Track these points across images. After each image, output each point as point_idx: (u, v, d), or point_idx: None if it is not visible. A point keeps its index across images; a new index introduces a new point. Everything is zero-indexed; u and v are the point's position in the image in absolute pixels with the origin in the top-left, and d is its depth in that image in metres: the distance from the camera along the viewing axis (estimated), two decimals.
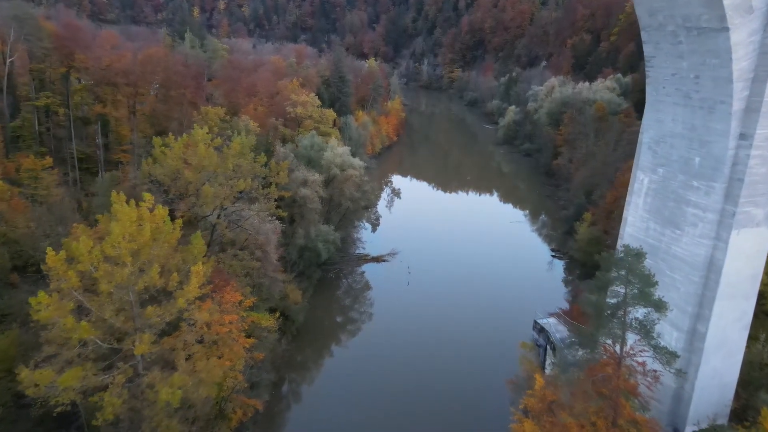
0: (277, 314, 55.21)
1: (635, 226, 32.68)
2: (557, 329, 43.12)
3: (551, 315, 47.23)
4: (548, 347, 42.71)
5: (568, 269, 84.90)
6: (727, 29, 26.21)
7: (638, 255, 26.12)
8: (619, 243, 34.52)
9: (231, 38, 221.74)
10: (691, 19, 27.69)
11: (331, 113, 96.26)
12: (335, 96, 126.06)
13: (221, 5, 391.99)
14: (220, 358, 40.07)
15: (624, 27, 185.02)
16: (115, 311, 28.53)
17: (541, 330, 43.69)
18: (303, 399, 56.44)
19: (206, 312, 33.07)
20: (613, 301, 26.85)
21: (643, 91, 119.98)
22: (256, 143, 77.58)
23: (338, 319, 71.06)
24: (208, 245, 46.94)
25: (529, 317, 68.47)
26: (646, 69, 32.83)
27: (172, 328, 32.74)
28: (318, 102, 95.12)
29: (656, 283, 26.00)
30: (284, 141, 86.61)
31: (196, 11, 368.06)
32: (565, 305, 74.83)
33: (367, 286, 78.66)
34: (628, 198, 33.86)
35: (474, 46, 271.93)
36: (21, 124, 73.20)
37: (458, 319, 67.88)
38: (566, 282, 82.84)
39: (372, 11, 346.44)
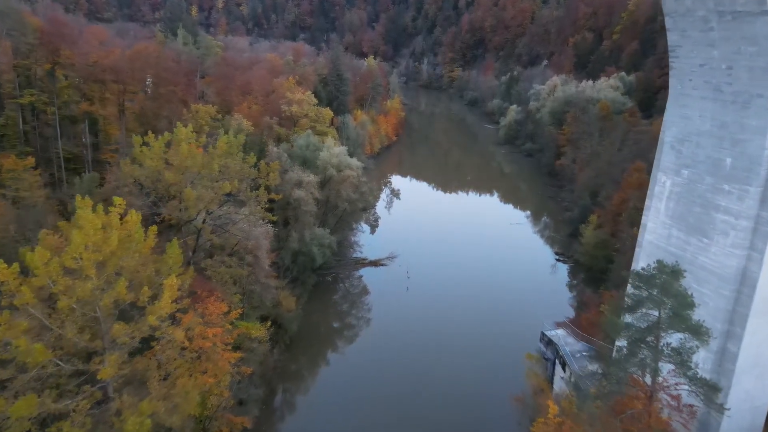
0: (268, 324, 52.11)
1: (656, 233, 29.60)
2: (566, 342, 40.09)
3: (559, 325, 44.16)
4: (557, 361, 39.66)
5: (572, 273, 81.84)
6: (767, 13, 23.20)
7: (675, 272, 22.78)
8: (637, 252, 31.45)
9: (227, 36, 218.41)
10: (724, 3, 24.68)
11: (327, 112, 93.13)
12: (333, 95, 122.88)
13: (219, 4, 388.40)
14: (204, 373, 37.03)
15: (627, 25, 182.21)
16: (79, 329, 25.41)
17: (549, 342, 40.66)
18: (297, 410, 53.37)
19: (182, 331, 29.92)
20: (643, 325, 23.66)
21: (647, 90, 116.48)
22: (249, 143, 74.83)
23: (335, 326, 67.97)
24: (194, 251, 43.83)
25: (533, 323, 65.39)
26: (670, 60, 29.77)
27: (146, 346, 29.59)
28: (314, 100, 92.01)
29: (694, 304, 22.76)
30: (279, 140, 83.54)
31: (194, 10, 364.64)
32: (572, 312, 71.98)
33: (364, 291, 75.55)
34: (647, 202, 30.78)
35: (474, 45, 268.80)
36: (5, 123, 69.96)
37: (459, 326, 64.83)
38: (571, 286, 79.79)
39: (371, 10, 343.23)
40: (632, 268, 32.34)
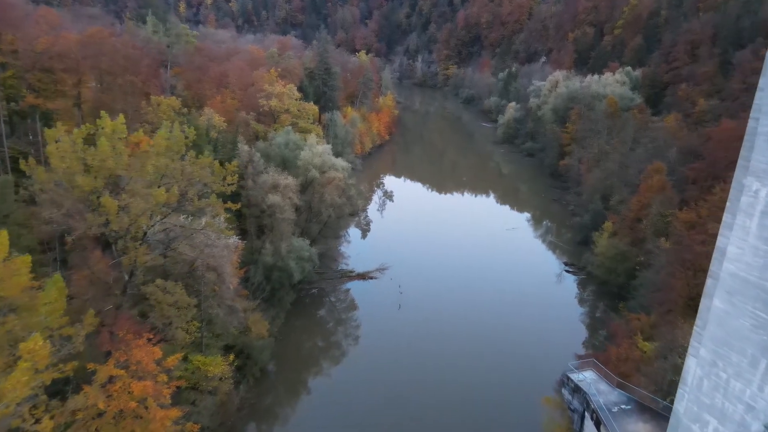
0: (232, 357, 43.42)
1: (742, 262, 21.29)
2: (598, 389, 31.80)
3: (584, 363, 35.72)
4: (587, 414, 31.36)
5: (581, 284, 73.56)
6: None
7: None
8: (710, 285, 23.20)
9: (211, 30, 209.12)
10: None
11: (311, 107, 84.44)
12: (320, 90, 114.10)
13: (208, 0, 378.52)
14: None
15: (629, 19, 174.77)
16: None
17: (575, 389, 32.38)
18: None
19: (96, 390, 21.29)
20: None
21: (654, 86, 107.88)
22: (221, 141, 66.01)
23: (316, 350, 59.43)
24: (130, 276, 35.03)
25: (545, 350, 57.27)
26: None
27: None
28: (297, 94, 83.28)
29: None
30: (257, 138, 74.86)
31: (182, 6, 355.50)
32: (586, 332, 63.65)
33: (351, 308, 66.99)
34: (726, 218, 22.53)
35: (470, 42, 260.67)
36: None
37: (458, 352, 56.49)
38: (581, 300, 71.49)
39: (364, 6, 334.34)
40: (703, 304, 23.94)
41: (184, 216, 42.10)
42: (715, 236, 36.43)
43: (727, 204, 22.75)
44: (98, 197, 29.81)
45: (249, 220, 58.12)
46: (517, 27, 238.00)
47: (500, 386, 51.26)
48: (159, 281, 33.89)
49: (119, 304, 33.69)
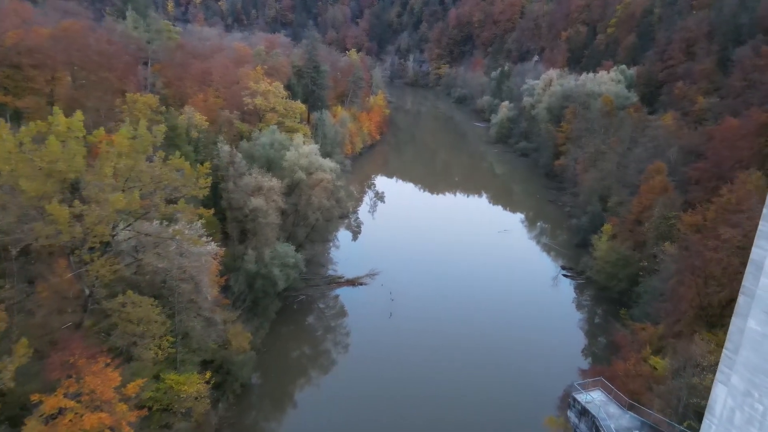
0: (208, 375, 40.10)
1: None
2: (608, 412, 28.93)
3: (589, 381, 32.80)
4: None
5: (579, 289, 70.81)
6: None
7: None
8: (743, 303, 20.27)
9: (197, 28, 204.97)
10: None
11: (298, 105, 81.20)
12: (309, 89, 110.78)
13: None
14: None
15: (622, 18, 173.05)
16: None
17: (582, 412, 29.49)
18: None
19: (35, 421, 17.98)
20: None
21: (649, 84, 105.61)
22: (202, 141, 62.58)
23: (303, 362, 56.32)
24: (92, 290, 31.63)
25: (540, 357, 54.53)
26: None
27: None
28: (284, 92, 79.94)
29: None
30: (241, 138, 71.47)
31: (170, 5, 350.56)
32: (584, 338, 60.93)
33: (339, 316, 63.92)
34: (763, 227, 19.62)
35: (462, 41, 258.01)
36: None
37: (451, 363, 53.58)
38: (579, 305, 68.82)
39: (355, 5, 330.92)
40: (735, 325, 21.01)
41: (158, 222, 38.83)
42: (729, 242, 33.07)
43: (764, 211, 19.86)
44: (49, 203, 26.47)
45: (231, 224, 54.80)
46: (510, 26, 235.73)
47: (498, 402, 48.38)
48: (120, 297, 30.51)
49: (79, 321, 30.38)
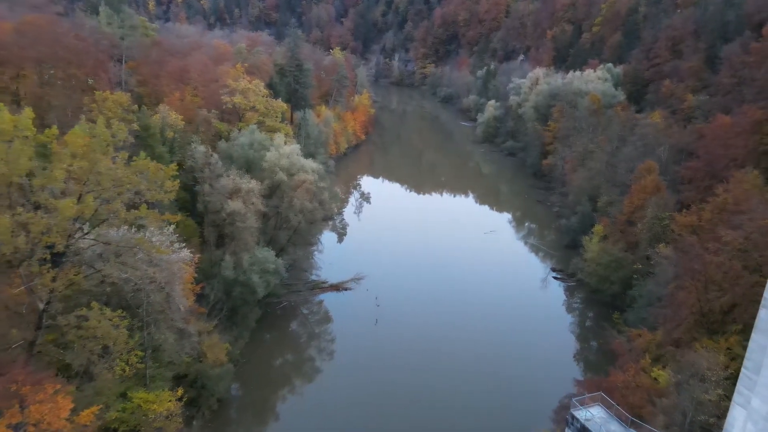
0: (180, 392, 37.36)
1: None
2: (610, 431, 26.89)
3: (588, 396, 30.76)
4: None
5: (569, 291, 69.14)
6: None
7: None
8: (766, 317, 18.24)
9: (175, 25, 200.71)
10: None
11: (280, 104, 78.45)
12: (292, 87, 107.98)
13: None
14: None
15: (608, 16, 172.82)
16: None
17: (582, 430, 27.42)
18: None
19: None
20: None
21: (635, 83, 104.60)
22: (177, 142, 59.59)
23: (286, 370, 53.93)
24: (47, 304, 28.78)
25: (531, 363, 52.65)
26: None
27: None
28: (264, 90, 77.15)
29: None
30: (219, 138, 68.61)
31: (151, 3, 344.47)
32: (575, 344, 59.10)
33: (324, 322, 61.59)
34: None
35: (447, 40, 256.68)
36: None
37: (439, 371, 51.43)
38: (570, 308, 67.16)
39: (339, 5, 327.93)
40: (755, 342, 19.04)
41: (126, 228, 36.04)
42: (730, 244, 31.38)
43: None
44: None
45: (208, 229, 52.03)
46: (495, 25, 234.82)
47: (488, 410, 46.35)
48: (71, 316, 27.67)
49: (32, 339, 27.60)
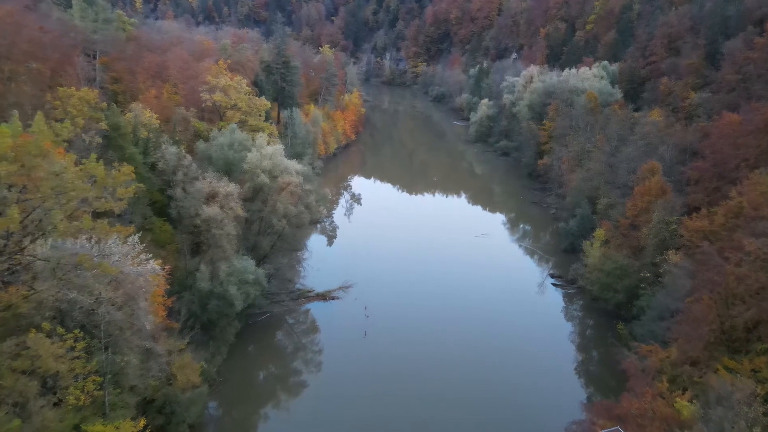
0: (142, 422, 33.36)
1: None
2: None
3: (597, 420, 27.22)
4: None
5: (568, 297, 65.75)
6: None
7: None
8: None
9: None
10: None
11: (263, 102, 74.41)
12: (278, 85, 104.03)
13: None
14: None
15: (601, 14, 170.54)
16: None
17: None
18: None
19: None
20: None
21: (631, 81, 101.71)
22: (152, 142, 55.52)
23: (270, 386, 50.31)
24: None
25: (531, 377, 49.24)
26: None
27: None
28: (246, 88, 73.15)
29: None
30: (198, 138, 64.59)
31: (138, 1, 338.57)
32: (575, 354, 55.61)
33: (310, 332, 57.83)
34: None
35: (439, 39, 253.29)
36: None
37: (432, 381, 48.20)
38: (569, 316, 63.77)
39: (330, 3, 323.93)
40: None
41: (87, 238, 32.04)
42: (754, 254, 27.86)
43: None
44: None
45: (181, 236, 48.01)
46: (487, 23, 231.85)
47: (484, 425, 42.93)
48: (5, 344, 23.74)
49: None
